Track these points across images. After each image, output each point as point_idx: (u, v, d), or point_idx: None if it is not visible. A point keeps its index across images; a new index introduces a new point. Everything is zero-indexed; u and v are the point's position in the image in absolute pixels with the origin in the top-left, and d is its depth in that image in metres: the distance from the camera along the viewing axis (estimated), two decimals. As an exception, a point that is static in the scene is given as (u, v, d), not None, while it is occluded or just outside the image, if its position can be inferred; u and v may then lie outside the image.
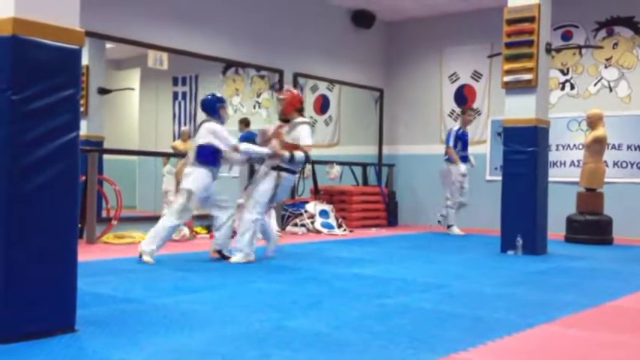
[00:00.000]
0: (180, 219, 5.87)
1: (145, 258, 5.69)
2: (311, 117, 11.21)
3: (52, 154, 3.00)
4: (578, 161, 9.36)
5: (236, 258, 5.85)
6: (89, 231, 7.17)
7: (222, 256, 6.01)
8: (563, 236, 8.52)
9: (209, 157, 5.87)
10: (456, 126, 9.49)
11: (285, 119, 6.13)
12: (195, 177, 5.84)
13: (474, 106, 10.86)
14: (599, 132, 8.40)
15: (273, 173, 5.95)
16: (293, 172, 6.10)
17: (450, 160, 9.29)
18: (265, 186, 5.92)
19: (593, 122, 8.47)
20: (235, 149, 5.87)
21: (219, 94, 6.22)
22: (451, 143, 9.26)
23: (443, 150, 9.48)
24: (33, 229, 2.95)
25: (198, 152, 5.86)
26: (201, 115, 10.75)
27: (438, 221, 9.48)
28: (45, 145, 2.98)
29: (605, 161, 8.87)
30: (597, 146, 8.42)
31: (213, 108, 5.99)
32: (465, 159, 9.28)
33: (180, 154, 9.79)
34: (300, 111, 6.14)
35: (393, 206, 11.01)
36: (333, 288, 4.61)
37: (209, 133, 5.86)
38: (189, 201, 5.83)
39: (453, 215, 9.33)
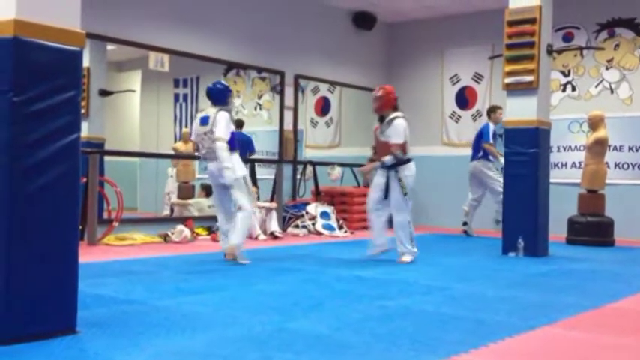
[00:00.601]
0: (254, 206, 6.27)
1: (242, 260, 5.81)
2: (312, 119, 11.22)
3: (53, 156, 3.00)
4: (580, 163, 9.35)
5: (406, 258, 6.16)
6: (90, 233, 7.17)
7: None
8: (564, 238, 8.51)
9: (235, 144, 5.99)
10: (487, 124, 9.16)
11: (380, 117, 6.22)
12: (238, 163, 5.92)
13: (475, 107, 10.86)
14: (600, 133, 8.40)
15: (392, 174, 6.10)
16: (407, 161, 6.13)
17: (485, 158, 9.03)
18: (396, 192, 6.09)
19: (595, 124, 8.47)
20: (223, 147, 5.78)
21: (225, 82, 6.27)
22: (490, 139, 8.98)
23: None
24: (34, 230, 2.95)
25: (230, 141, 5.86)
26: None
27: (464, 224, 9.34)
28: (46, 147, 2.98)
29: (607, 163, 8.87)
30: (598, 148, 8.42)
31: (226, 97, 6.07)
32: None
33: (182, 156, 9.81)
34: (396, 106, 6.18)
35: (394, 208, 10.98)
36: (334, 290, 4.60)
37: (226, 121, 5.88)
38: (248, 185, 6.00)
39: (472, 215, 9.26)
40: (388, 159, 6.03)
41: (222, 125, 5.79)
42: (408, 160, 6.14)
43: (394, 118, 6.07)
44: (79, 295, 3.15)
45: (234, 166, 5.81)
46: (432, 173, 10.97)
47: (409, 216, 6.14)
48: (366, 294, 4.43)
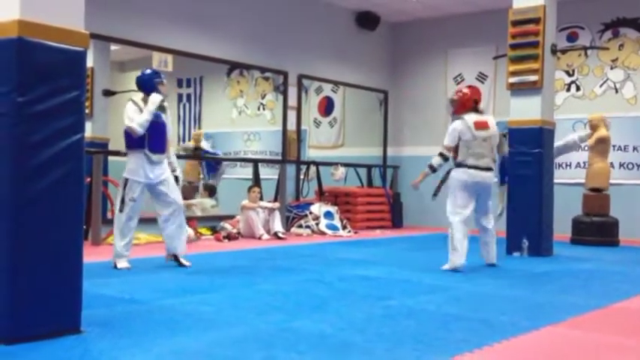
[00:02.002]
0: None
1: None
2: (315, 119, 11.22)
3: (57, 156, 3.00)
4: (584, 163, 9.32)
5: (445, 265, 5.71)
6: (94, 232, 7.18)
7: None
8: (569, 238, 8.49)
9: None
10: None
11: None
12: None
13: (479, 107, 10.83)
14: (602, 132, 8.40)
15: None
16: (457, 165, 5.81)
17: None
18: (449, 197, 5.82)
19: (595, 125, 8.46)
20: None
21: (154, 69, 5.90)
22: None
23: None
24: (39, 230, 2.95)
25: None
26: (206, 116, 10.82)
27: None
28: (50, 147, 2.98)
29: (612, 163, 8.85)
30: (602, 146, 8.41)
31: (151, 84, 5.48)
32: None
33: (186, 156, 9.81)
34: (474, 109, 5.88)
35: (397, 208, 10.99)
36: (338, 290, 4.60)
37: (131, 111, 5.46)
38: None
39: None
40: (434, 160, 5.90)
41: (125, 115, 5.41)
42: (458, 165, 5.78)
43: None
44: (83, 294, 3.15)
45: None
46: (436, 173, 10.96)
47: (455, 220, 5.68)
48: (369, 294, 4.42)
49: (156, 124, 5.37)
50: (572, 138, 8.60)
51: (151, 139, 5.36)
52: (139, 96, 5.48)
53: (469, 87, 6.14)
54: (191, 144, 10.15)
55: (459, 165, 5.79)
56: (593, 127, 8.52)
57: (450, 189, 5.82)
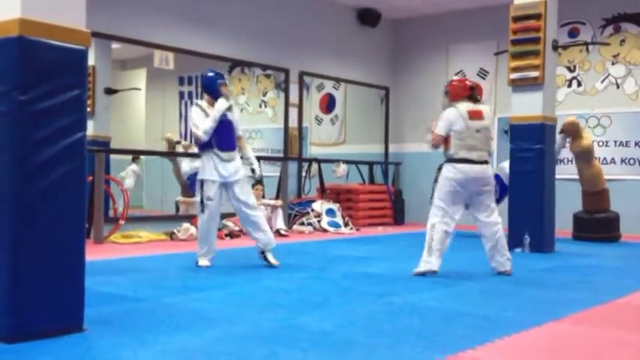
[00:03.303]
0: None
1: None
2: (317, 116, 11.21)
3: (59, 155, 3.01)
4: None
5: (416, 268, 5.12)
6: (97, 231, 7.19)
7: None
8: (570, 234, 8.49)
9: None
10: None
11: None
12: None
13: (478, 97, 10.81)
14: (585, 141, 8.25)
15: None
16: (448, 160, 5.21)
17: None
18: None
19: (571, 132, 8.28)
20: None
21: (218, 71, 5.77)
22: None
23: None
24: (41, 229, 2.96)
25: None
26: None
27: None
28: (52, 146, 2.98)
29: (613, 158, 8.82)
30: (585, 155, 8.28)
31: (215, 87, 5.51)
32: None
33: (186, 154, 9.81)
34: (470, 97, 5.35)
35: (399, 205, 10.99)
36: (340, 286, 4.60)
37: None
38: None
39: None
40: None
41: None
42: (449, 160, 5.19)
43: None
44: (85, 293, 3.15)
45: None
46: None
47: (434, 220, 5.10)
48: (371, 291, 4.43)
49: (222, 122, 5.42)
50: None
51: (219, 138, 5.43)
52: (203, 99, 5.59)
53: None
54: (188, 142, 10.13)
55: (449, 160, 5.19)
56: (571, 134, 8.34)
57: (439, 186, 5.17)
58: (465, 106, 5.25)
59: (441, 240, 5.04)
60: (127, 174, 9.35)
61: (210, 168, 5.43)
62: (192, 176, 9.04)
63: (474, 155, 5.14)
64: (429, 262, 5.03)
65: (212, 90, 5.51)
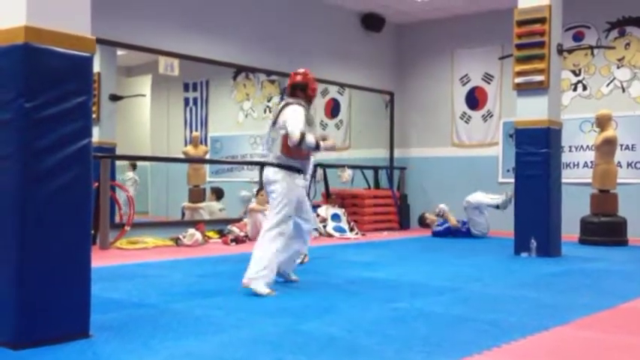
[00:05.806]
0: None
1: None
2: (321, 121, 11.22)
3: (64, 161, 3.02)
4: (591, 162, 9.28)
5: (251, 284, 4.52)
6: (102, 237, 7.20)
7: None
8: (577, 238, 8.46)
9: None
10: None
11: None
12: None
13: (486, 108, 10.83)
14: (608, 133, 8.35)
15: None
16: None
17: None
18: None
19: (602, 123, 8.43)
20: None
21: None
22: None
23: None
24: (47, 235, 2.96)
25: None
26: (213, 120, 10.84)
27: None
28: (58, 152, 2.99)
29: (619, 162, 8.80)
30: (608, 147, 8.36)
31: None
32: None
33: (191, 160, 9.84)
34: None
35: (404, 209, 10.98)
36: (346, 292, 4.59)
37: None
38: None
39: None
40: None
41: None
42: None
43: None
44: (91, 299, 3.16)
45: None
46: (442, 174, 10.96)
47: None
48: (377, 296, 4.42)
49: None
50: (496, 202, 8.86)
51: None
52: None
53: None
54: (190, 148, 10.15)
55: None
56: (600, 125, 8.48)
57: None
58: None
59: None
60: (125, 182, 9.38)
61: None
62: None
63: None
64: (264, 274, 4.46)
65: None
